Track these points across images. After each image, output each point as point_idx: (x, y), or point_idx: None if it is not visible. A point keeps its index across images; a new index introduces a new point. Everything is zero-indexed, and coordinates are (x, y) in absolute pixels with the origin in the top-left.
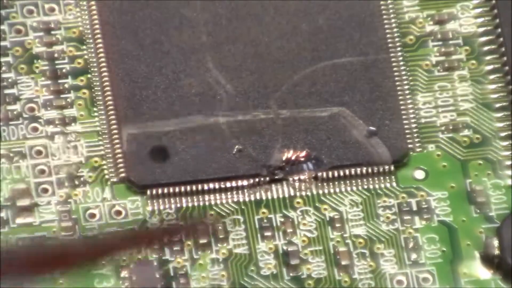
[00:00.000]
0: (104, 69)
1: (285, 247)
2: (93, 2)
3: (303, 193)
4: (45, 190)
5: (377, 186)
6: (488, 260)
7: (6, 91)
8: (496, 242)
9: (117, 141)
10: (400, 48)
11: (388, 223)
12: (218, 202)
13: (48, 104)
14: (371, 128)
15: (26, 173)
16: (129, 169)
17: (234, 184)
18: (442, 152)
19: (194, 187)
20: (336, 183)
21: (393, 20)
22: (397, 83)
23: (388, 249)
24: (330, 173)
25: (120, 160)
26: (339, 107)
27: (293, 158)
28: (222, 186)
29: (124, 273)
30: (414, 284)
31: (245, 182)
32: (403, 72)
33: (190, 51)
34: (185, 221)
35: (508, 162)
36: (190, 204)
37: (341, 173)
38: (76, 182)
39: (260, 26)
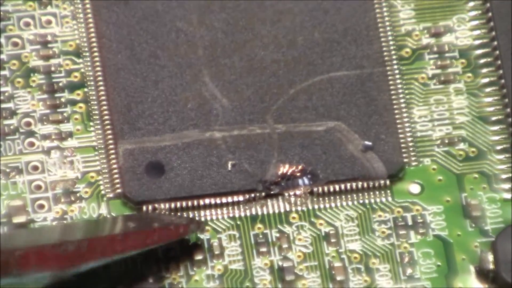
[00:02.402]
0: (101, 82)
1: (280, 263)
2: (90, 15)
3: (299, 208)
4: (41, 206)
5: (372, 200)
6: (483, 274)
7: (3, 105)
8: (491, 257)
9: (113, 156)
10: (396, 61)
11: (383, 238)
12: (214, 217)
13: (44, 118)
14: (367, 142)
15: (23, 189)
16: (125, 185)
17: (229, 199)
18: (437, 166)
19: (189, 203)
20: (332, 198)
21: (389, 33)
22: (393, 96)
23: (383, 264)
24: (325, 188)
25: (116, 175)
26: (335, 122)
27: (288, 173)
28: (218, 201)
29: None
30: None
31: (240, 198)
32: (399, 86)
33: (186, 65)
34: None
35: (504, 176)
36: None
37: (337, 188)
38: (72, 198)
39: (256, 40)
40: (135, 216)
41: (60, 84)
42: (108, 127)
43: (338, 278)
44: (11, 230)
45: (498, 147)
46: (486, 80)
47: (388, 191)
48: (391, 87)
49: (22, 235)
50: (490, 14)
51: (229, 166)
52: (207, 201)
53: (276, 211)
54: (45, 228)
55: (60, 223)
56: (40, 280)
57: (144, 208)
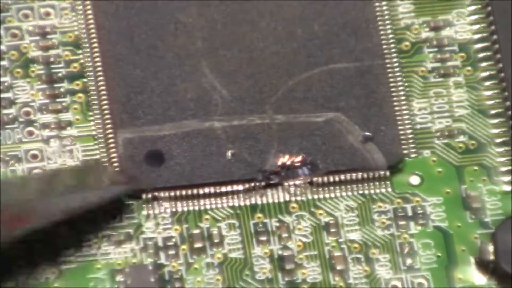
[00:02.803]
0: (100, 73)
1: (280, 252)
2: (89, 7)
3: (299, 198)
4: None
5: (372, 191)
6: (483, 265)
7: (2, 95)
8: (491, 248)
9: (112, 145)
10: (395, 54)
11: (383, 228)
12: (214, 206)
13: (43, 108)
14: (367, 133)
15: None
16: (125, 174)
17: (229, 188)
18: (437, 158)
19: (189, 192)
20: (332, 188)
21: (388, 26)
22: (393, 89)
23: (383, 254)
24: (325, 178)
25: (115, 164)
26: (334, 113)
27: (288, 163)
28: (218, 190)
29: (119, 277)
30: None
31: (240, 187)
32: (399, 78)
33: (185, 56)
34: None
35: (503, 168)
36: (185, 209)
37: (337, 178)
38: None
39: (255, 32)
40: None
41: (60, 74)
42: (108, 116)
43: (338, 267)
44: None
45: (498, 140)
46: (485, 73)
47: (388, 182)
48: (391, 80)
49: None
50: (489, 8)
51: (229, 155)
52: (206, 190)
53: (276, 200)
54: (33, 177)
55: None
56: None
57: (144, 196)
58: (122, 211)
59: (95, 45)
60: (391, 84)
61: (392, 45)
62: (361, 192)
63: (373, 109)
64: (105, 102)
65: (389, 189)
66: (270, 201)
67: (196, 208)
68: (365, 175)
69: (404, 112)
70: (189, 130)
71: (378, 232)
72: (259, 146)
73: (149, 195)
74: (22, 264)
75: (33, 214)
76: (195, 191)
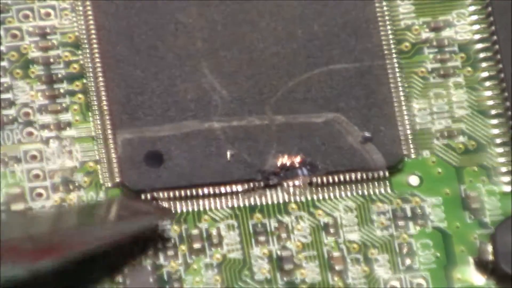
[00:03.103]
0: (100, 74)
1: (279, 252)
2: (89, 7)
3: (298, 199)
4: (40, 195)
5: (371, 192)
6: (482, 265)
7: (2, 96)
8: (490, 248)
9: (112, 146)
10: (395, 55)
11: (382, 229)
12: (213, 207)
13: (43, 109)
14: (366, 134)
15: (21, 178)
16: (124, 174)
17: (228, 189)
18: (437, 159)
19: (188, 192)
20: (331, 188)
21: (388, 27)
22: (392, 89)
23: (382, 254)
24: (324, 179)
25: (114, 165)
26: (334, 113)
27: (287, 163)
28: (217, 191)
29: (118, 278)
30: None
31: (239, 188)
32: (399, 79)
33: (185, 56)
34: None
35: (503, 169)
36: (184, 209)
37: (336, 179)
38: (71, 187)
39: (255, 32)
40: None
41: (59, 75)
42: (107, 117)
43: (337, 267)
44: (4, 217)
45: (498, 141)
46: (485, 74)
47: (387, 183)
48: (391, 80)
49: (15, 224)
50: (489, 8)
51: (228, 156)
52: (205, 190)
53: (275, 201)
54: (39, 214)
55: (56, 209)
56: (16, 272)
57: (143, 197)
58: (154, 241)
59: (95, 45)
60: (391, 85)
61: (392, 46)
62: (360, 192)
63: (373, 110)
64: (105, 102)
65: (388, 190)
66: (269, 201)
67: (195, 208)
68: (365, 176)
69: (404, 112)
70: (189, 131)
71: (377, 232)
72: (259, 147)
73: (148, 196)
74: None
75: (65, 245)
76: (194, 191)
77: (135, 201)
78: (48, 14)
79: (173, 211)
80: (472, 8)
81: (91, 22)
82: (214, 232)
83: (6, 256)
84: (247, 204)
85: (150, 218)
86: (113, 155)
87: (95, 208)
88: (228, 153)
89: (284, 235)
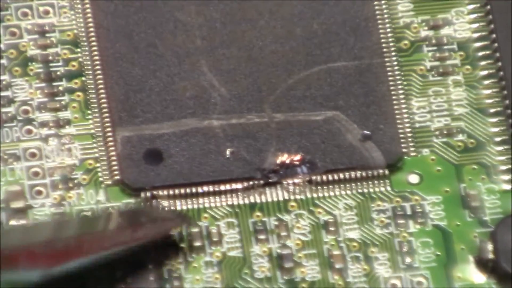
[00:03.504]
0: (99, 71)
1: (279, 250)
2: (87, 5)
3: (297, 197)
4: (39, 192)
5: (371, 190)
6: (482, 264)
7: (1, 94)
8: (490, 246)
9: (111, 143)
10: (394, 52)
11: (382, 227)
12: (212, 205)
13: (42, 106)
14: (366, 132)
15: (20, 175)
16: (123, 172)
17: (228, 187)
18: (436, 157)
19: (188, 190)
20: (330, 186)
21: (387, 25)
22: (392, 87)
23: (382, 253)
24: (324, 177)
25: (114, 162)
26: (333, 111)
27: (287, 161)
28: (216, 189)
29: (118, 275)
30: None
31: (239, 186)
32: (398, 77)
33: (184, 54)
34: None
35: (503, 167)
36: (184, 207)
37: (335, 177)
38: (70, 185)
39: (254, 30)
40: (127, 211)
41: (58, 73)
42: (106, 115)
43: (337, 266)
44: (3, 229)
45: (497, 139)
46: (484, 72)
47: (387, 181)
48: (390, 78)
49: (14, 233)
50: (489, 7)
51: (228, 153)
52: (205, 188)
53: (275, 199)
54: (38, 225)
55: (53, 219)
56: (31, 278)
57: (142, 195)
58: (172, 247)
59: (94, 43)
60: (390, 83)
61: (391, 44)
62: (360, 190)
63: (372, 108)
64: (104, 100)
65: (388, 188)
66: (269, 199)
67: (195, 206)
68: (364, 174)
69: (403, 110)
70: (188, 129)
71: (377, 230)
72: (258, 145)
73: (148, 194)
74: None
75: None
76: (193, 189)
77: (154, 208)
78: (47, 12)
79: (191, 218)
80: (471, 6)
81: (90, 20)
82: (214, 230)
83: (22, 260)
84: (247, 202)
85: (169, 224)
86: (113, 153)
87: (94, 219)
88: (228, 151)
89: (284, 233)
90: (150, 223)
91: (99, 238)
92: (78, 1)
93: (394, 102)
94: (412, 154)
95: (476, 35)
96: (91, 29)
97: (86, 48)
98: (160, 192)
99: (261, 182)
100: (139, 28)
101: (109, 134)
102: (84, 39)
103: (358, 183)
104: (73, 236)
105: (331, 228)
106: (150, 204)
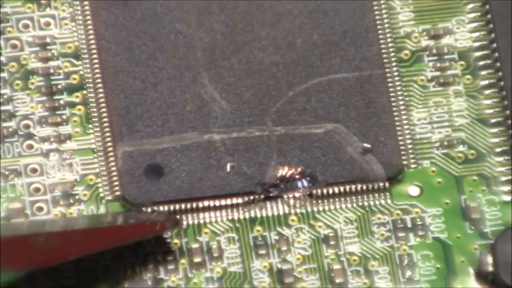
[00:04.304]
0: (100, 85)
1: (279, 265)
2: (88, 17)
3: (298, 211)
4: (40, 209)
5: (371, 203)
6: (482, 276)
7: (2, 108)
8: (490, 259)
9: (112, 158)
10: (395, 63)
11: (382, 240)
12: (213, 220)
13: (43, 121)
14: (366, 145)
15: (22, 192)
16: (124, 188)
17: (228, 202)
18: (436, 168)
19: (188, 205)
20: (331, 200)
21: (388, 35)
22: (392, 98)
23: (382, 266)
24: (324, 190)
25: (114, 178)
26: (334, 124)
27: (287, 175)
28: (217, 204)
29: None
30: None
31: (239, 200)
32: (398, 88)
33: (185, 67)
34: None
35: (503, 178)
36: (184, 222)
37: (336, 190)
38: (71, 200)
39: (255, 42)
40: (116, 213)
41: (59, 86)
42: (107, 129)
43: (337, 280)
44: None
45: (498, 149)
46: (485, 82)
47: (387, 194)
48: (390, 89)
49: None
50: (489, 16)
51: (228, 168)
52: (206, 203)
53: (275, 213)
54: (47, 221)
55: (62, 218)
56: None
57: (143, 210)
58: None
59: (95, 56)
60: (391, 94)
61: (392, 54)
62: (360, 203)
63: (373, 120)
64: (105, 114)
65: (389, 201)
66: (270, 214)
67: (196, 221)
68: (365, 187)
69: (404, 122)
70: (188, 143)
71: (377, 244)
72: (259, 159)
73: (149, 209)
74: None
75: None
76: (194, 204)
77: (143, 212)
78: (48, 24)
79: (183, 220)
80: (472, 15)
81: (91, 31)
82: (214, 245)
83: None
84: (247, 216)
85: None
86: (113, 168)
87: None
88: (228, 166)
89: (284, 248)
90: (138, 224)
91: (84, 236)
92: (79, 13)
93: (395, 113)
94: (413, 166)
95: (476, 44)
96: (92, 41)
97: (87, 61)
98: (161, 208)
99: (262, 196)
100: (140, 40)
101: (110, 149)
102: (85, 51)
103: (359, 196)
104: (56, 232)
105: (332, 242)
106: (139, 209)
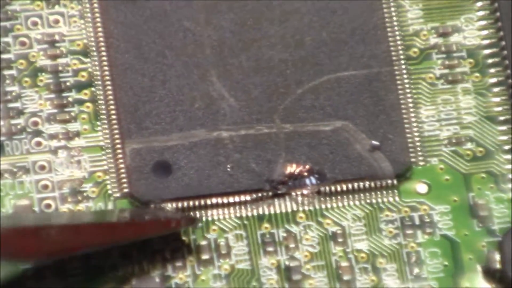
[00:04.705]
0: (108, 82)
1: (287, 262)
2: (97, 15)
3: (306, 208)
4: (48, 206)
5: (379, 200)
6: (490, 274)
7: (10, 105)
8: (497, 256)
9: (120, 156)
10: (403, 61)
11: (390, 238)
12: (221, 217)
13: (51, 118)
14: (374, 142)
15: (30, 189)
16: (132, 185)
17: (236, 199)
18: (445, 166)
19: (196, 202)
20: (339, 197)
21: (397, 33)
22: (401, 96)
23: (390, 264)
24: (333, 188)
25: (123, 175)
26: (342, 121)
27: (296, 172)
28: (225, 201)
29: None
30: None
31: (247, 197)
32: (407, 85)
33: (193, 64)
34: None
35: (511, 176)
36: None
37: (344, 188)
38: (79, 198)
39: (263, 40)
40: (134, 210)
41: (68, 83)
42: (115, 126)
43: (345, 277)
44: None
45: (506, 147)
46: (494, 80)
47: (395, 191)
48: (399, 87)
49: (28, 217)
50: (498, 14)
51: (229, 168)
52: (214, 200)
53: (283, 210)
54: (53, 214)
55: (70, 211)
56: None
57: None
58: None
59: (103, 53)
60: (399, 92)
61: (401, 52)
62: (368, 201)
63: (381, 117)
64: (113, 111)
65: (397, 198)
66: (278, 211)
67: (204, 219)
68: (373, 184)
69: (412, 119)
70: (197, 140)
71: (385, 241)
72: (267, 156)
73: (156, 206)
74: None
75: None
76: (202, 202)
77: (158, 209)
78: (56, 21)
79: (199, 219)
80: (481, 13)
81: (100, 29)
82: (222, 242)
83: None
84: (255, 213)
85: (173, 222)
86: (122, 165)
87: (107, 214)
88: (228, 167)
89: (292, 245)
90: (154, 220)
91: (97, 230)
92: (88, 11)
93: (403, 111)
94: (421, 163)
95: (485, 42)
96: (101, 39)
97: (96, 58)
98: (169, 205)
99: (270, 193)
100: (149, 38)
101: (118, 146)
102: (94, 48)
103: (367, 194)
104: (68, 225)
105: (340, 239)
106: (155, 206)
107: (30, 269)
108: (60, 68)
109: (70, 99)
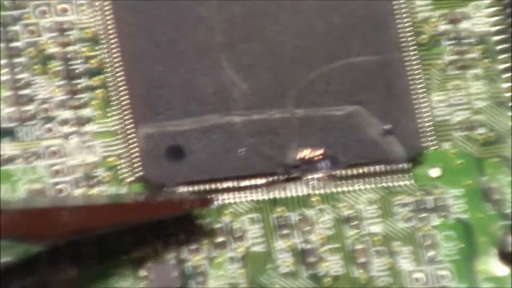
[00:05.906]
0: (119, 68)
1: (302, 245)
2: (107, 2)
3: (320, 192)
4: (61, 191)
5: (393, 184)
6: (504, 257)
7: (21, 92)
8: (510, 239)
9: (133, 140)
10: (413, 47)
11: (405, 221)
12: (235, 200)
13: (62, 104)
14: (387, 126)
15: (42, 174)
16: (145, 169)
17: (250, 183)
18: (457, 150)
19: (210, 186)
20: (353, 181)
21: (406, 20)
22: (411, 82)
23: (405, 247)
24: (346, 172)
25: (136, 159)
26: (354, 106)
27: (309, 157)
28: (238, 185)
29: (141, 273)
30: (431, 281)
31: (261, 181)
32: (417, 71)
33: (205, 50)
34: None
35: None
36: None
37: (357, 172)
38: (92, 182)
39: (275, 25)
40: (150, 194)
41: (77, 71)
42: (128, 111)
43: (360, 260)
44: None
45: None
46: (503, 65)
47: (409, 175)
48: (410, 73)
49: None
50: (506, 0)
51: (242, 152)
52: (227, 184)
53: (297, 194)
54: (68, 197)
55: (84, 196)
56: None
57: (164, 191)
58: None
59: (114, 40)
60: (410, 77)
61: (410, 38)
62: (382, 185)
63: (393, 102)
64: (125, 97)
65: (411, 182)
66: (292, 194)
67: (217, 202)
68: (386, 168)
69: (424, 105)
70: (209, 125)
71: (399, 224)
72: (280, 140)
73: (170, 190)
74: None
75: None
76: (215, 185)
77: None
78: (65, 10)
79: (213, 200)
80: (489, 0)
81: (110, 16)
82: (236, 226)
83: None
84: (269, 197)
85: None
86: (134, 150)
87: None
88: (240, 150)
89: (307, 228)
90: (168, 201)
91: (111, 210)
92: None
93: (414, 96)
94: (433, 148)
95: (494, 28)
96: (110, 26)
97: (106, 45)
98: (182, 189)
99: (283, 177)
100: (160, 24)
101: (131, 131)
102: (104, 36)
103: (380, 177)
104: (81, 206)
105: (354, 223)
106: (169, 190)
107: (45, 254)
108: (69, 56)
109: (80, 86)
